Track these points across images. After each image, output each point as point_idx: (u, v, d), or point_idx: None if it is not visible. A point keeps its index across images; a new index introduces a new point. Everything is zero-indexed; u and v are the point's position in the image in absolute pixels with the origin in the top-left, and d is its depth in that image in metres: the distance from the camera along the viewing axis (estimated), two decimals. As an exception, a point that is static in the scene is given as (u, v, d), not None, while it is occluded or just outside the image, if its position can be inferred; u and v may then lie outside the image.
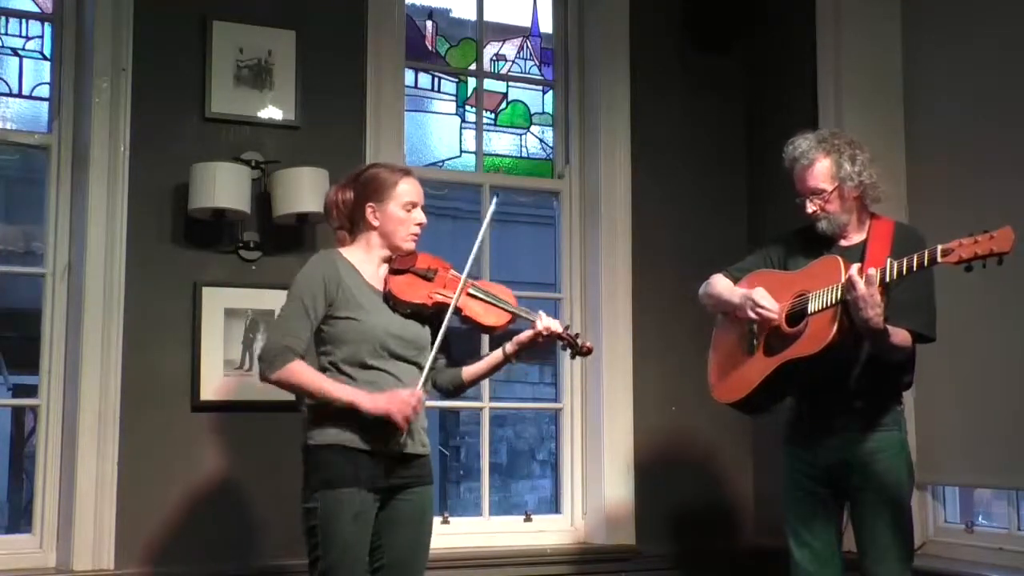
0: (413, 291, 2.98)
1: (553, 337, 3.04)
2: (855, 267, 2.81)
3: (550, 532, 4.45)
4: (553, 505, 4.87)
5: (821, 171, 3.04)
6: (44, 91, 4.02)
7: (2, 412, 8.28)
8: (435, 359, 2.99)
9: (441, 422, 10.06)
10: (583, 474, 4.49)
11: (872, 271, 2.75)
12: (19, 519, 7.54)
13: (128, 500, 3.73)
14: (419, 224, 3.01)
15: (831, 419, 3.03)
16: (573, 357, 3.15)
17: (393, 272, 3.02)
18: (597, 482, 4.43)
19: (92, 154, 3.81)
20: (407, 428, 2.84)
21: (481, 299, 3.04)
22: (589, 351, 3.12)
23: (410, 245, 3.02)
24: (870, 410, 3.01)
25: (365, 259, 3.00)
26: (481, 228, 3.16)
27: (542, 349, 3.12)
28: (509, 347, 3.08)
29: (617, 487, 4.41)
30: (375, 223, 2.99)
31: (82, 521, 3.67)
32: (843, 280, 2.82)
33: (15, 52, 4.10)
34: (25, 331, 4.90)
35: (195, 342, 3.85)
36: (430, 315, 3.00)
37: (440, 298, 2.98)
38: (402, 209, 2.98)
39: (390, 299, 2.96)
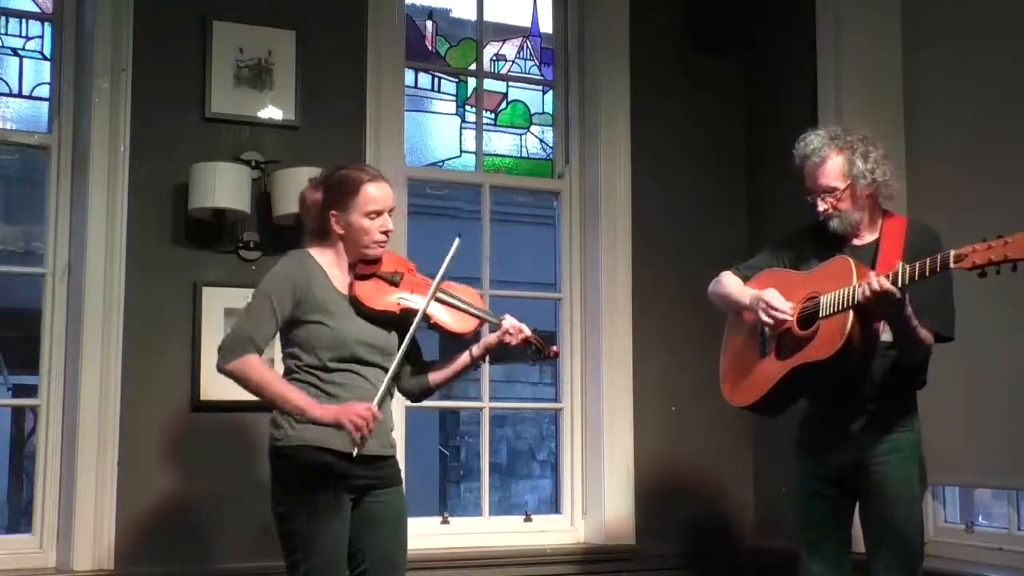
0: (380, 297, 2.93)
1: (520, 338, 2.98)
2: (873, 277, 2.74)
3: (550, 532, 4.45)
4: (553, 505, 4.88)
5: (833, 169, 2.98)
6: (44, 91, 4.02)
7: (2, 412, 8.29)
8: (400, 366, 2.93)
9: (441, 422, 10.05)
10: (583, 474, 4.49)
11: (883, 279, 2.70)
12: (19, 519, 7.54)
13: (128, 500, 3.73)
14: (385, 231, 2.93)
15: (845, 421, 2.99)
16: (536, 361, 3.10)
17: (358, 277, 2.95)
18: (597, 482, 4.43)
19: (92, 154, 3.81)
20: (361, 436, 2.76)
21: (449, 304, 2.99)
22: (555, 355, 3.08)
23: (376, 252, 2.95)
24: (884, 412, 2.97)
25: (335, 263, 2.95)
26: (446, 260, 2.98)
27: (510, 353, 3.06)
28: (476, 350, 3.06)
29: (617, 487, 4.40)
30: (339, 231, 2.92)
31: (82, 521, 3.67)
32: (854, 282, 2.78)
33: (15, 52, 4.09)
34: (25, 331, 4.89)
35: (195, 342, 3.85)
36: (398, 321, 2.95)
37: (408, 304, 2.93)
38: (365, 218, 2.89)
39: (356, 305, 2.91)
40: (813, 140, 3.05)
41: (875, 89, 4.21)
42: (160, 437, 3.81)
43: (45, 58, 4.05)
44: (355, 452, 2.77)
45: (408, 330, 2.91)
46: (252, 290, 3.86)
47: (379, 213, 2.91)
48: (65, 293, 3.84)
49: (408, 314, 2.92)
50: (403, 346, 2.90)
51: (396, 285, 2.96)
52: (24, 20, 4.14)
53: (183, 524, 3.79)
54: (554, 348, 3.07)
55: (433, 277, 2.97)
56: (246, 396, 3.85)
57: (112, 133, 3.83)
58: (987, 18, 3.88)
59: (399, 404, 3.81)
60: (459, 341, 3.10)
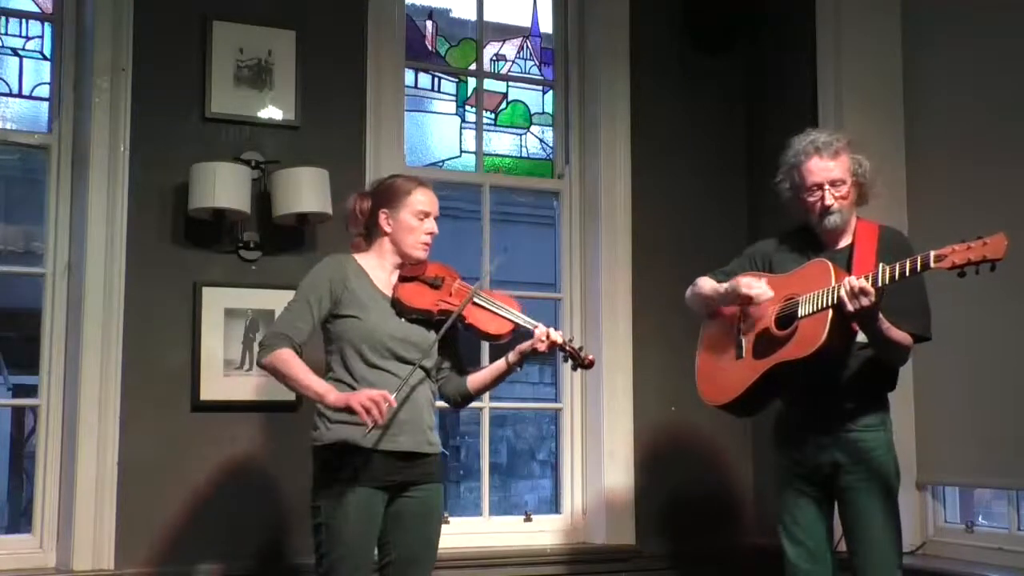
0: (420, 298, 3.07)
1: (554, 348, 3.06)
2: (853, 279, 2.77)
3: (550, 532, 4.45)
4: (553, 505, 4.88)
5: (843, 163, 3.06)
6: (44, 91, 4.02)
7: (2, 412, 8.27)
8: (432, 360, 3.06)
9: (441, 422, 10.00)
10: (583, 474, 4.49)
11: (862, 279, 2.75)
12: (19, 519, 7.54)
13: (128, 500, 3.73)
14: (430, 233, 3.09)
15: (821, 420, 3.05)
16: (575, 369, 3.16)
17: (402, 279, 3.10)
18: (597, 482, 4.43)
19: (92, 154, 3.81)
20: (373, 422, 2.82)
21: (486, 308, 3.11)
22: (591, 363, 3.13)
23: (420, 253, 3.10)
24: (859, 411, 3.03)
25: (377, 265, 3.10)
26: (488, 270, 3.16)
27: (544, 357, 3.17)
28: (512, 356, 3.13)
29: (617, 487, 4.40)
30: (387, 229, 3.08)
31: (82, 521, 3.67)
32: (833, 284, 2.82)
33: (15, 52, 4.09)
34: (25, 331, 4.89)
35: (195, 342, 3.85)
36: (436, 322, 3.06)
37: (446, 306, 3.07)
38: (414, 217, 3.08)
39: (397, 304, 3.05)
40: (820, 136, 3.11)
41: (875, 89, 4.22)
42: (160, 437, 3.81)
43: (45, 58, 4.05)
44: (367, 431, 2.85)
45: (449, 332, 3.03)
46: (252, 290, 3.91)
47: (427, 215, 3.10)
48: (65, 293, 3.84)
49: (445, 315, 3.05)
50: (434, 341, 3.03)
51: (437, 288, 3.11)
52: (24, 20, 4.14)
53: (183, 524, 3.79)
54: (590, 356, 3.12)
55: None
56: (246, 396, 3.89)
57: (112, 133, 3.83)
58: (987, 18, 3.88)
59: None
60: (496, 343, 3.21)
